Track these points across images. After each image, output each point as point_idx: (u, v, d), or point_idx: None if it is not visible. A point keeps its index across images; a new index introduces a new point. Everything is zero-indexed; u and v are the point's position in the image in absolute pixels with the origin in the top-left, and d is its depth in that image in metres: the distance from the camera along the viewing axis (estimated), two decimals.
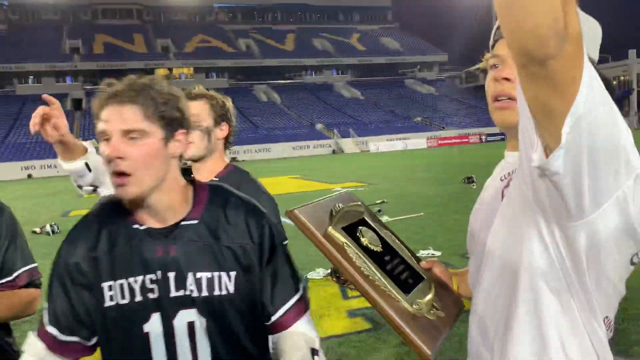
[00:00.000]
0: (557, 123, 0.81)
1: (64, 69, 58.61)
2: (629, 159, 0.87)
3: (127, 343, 1.32)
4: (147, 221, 1.32)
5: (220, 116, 2.16)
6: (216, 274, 1.31)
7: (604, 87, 0.83)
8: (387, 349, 4.12)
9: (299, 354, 1.34)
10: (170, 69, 64.52)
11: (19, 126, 47.97)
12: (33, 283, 1.89)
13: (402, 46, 73.39)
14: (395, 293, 1.22)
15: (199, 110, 2.08)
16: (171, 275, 1.29)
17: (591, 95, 0.80)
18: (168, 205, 1.32)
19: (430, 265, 1.48)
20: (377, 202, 11.72)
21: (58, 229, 11.43)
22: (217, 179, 2.13)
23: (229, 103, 2.24)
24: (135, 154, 1.26)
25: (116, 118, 1.28)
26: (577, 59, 0.78)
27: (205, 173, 2.12)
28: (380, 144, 47.68)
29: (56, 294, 1.33)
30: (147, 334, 1.30)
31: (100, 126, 1.29)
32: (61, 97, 56.57)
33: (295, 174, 23.69)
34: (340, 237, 1.28)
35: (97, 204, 1.43)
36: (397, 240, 1.48)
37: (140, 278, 1.30)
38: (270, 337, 1.42)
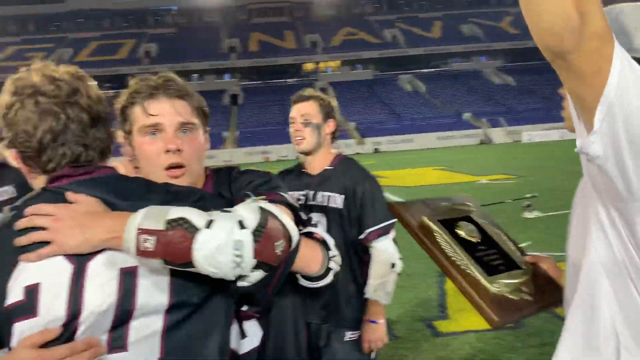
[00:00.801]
0: (591, 111, 0.87)
1: (222, 66, 63.55)
2: None
3: None
4: None
5: (327, 114, 2.46)
6: None
7: None
8: (525, 349, 3.91)
9: None
10: (317, 63, 66.67)
11: None
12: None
13: None
14: (476, 273, 1.33)
15: (309, 110, 2.40)
16: None
17: (623, 84, 0.84)
18: None
19: (535, 260, 1.49)
20: (527, 195, 10.93)
21: None
22: (331, 167, 2.44)
23: (334, 102, 2.54)
24: (189, 146, 1.29)
25: (170, 111, 1.30)
26: (601, 52, 0.84)
27: (316, 164, 2.46)
28: (534, 134, 44.51)
29: None
30: None
31: (152, 119, 1.28)
32: (219, 93, 61.56)
33: (439, 165, 23.07)
34: (433, 226, 1.41)
35: None
36: (504, 237, 1.51)
37: None
38: None
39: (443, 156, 31.17)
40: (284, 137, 49.88)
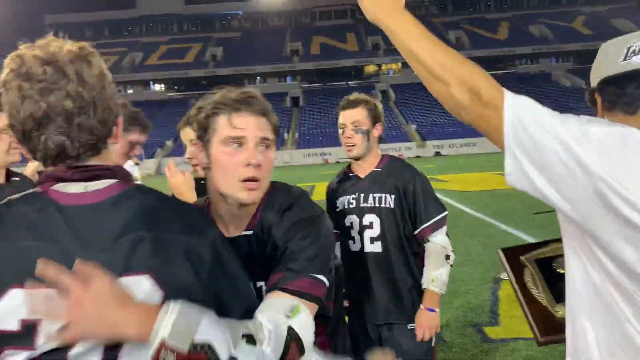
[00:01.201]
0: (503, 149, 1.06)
1: (285, 69, 64.49)
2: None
3: None
4: (227, 232, 1.38)
5: (375, 118, 2.52)
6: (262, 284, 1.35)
7: (539, 122, 1.02)
8: None
9: None
10: (379, 65, 66.34)
11: None
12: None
13: None
14: (544, 298, 1.48)
15: (359, 116, 2.47)
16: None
17: (515, 130, 1.02)
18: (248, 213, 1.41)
19: None
20: None
21: None
22: (379, 169, 2.53)
23: (380, 106, 2.59)
24: (265, 162, 1.35)
25: (253, 126, 1.34)
26: (494, 114, 1.04)
27: (366, 167, 2.56)
28: None
29: None
30: None
31: (237, 132, 1.32)
32: (281, 96, 62.48)
33: (500, 170, 22.41)
34: (526, 262, 1.64)
35: None
36: None
37: None
38: None
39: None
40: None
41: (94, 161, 1.05)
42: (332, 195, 2.64)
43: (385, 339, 2.48)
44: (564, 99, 54.57)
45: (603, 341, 1.06)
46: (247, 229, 1.39)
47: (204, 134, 1.34)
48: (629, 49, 1.20)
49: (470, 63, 1.12)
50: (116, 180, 1.05)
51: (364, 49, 66.56)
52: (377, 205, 2.46)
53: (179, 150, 48.35)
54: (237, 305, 1.10)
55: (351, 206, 2.52)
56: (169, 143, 50.79)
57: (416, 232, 2.46)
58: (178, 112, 59.74)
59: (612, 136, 0.98)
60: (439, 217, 2.45)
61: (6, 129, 2.06)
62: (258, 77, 65.72)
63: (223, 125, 1.32)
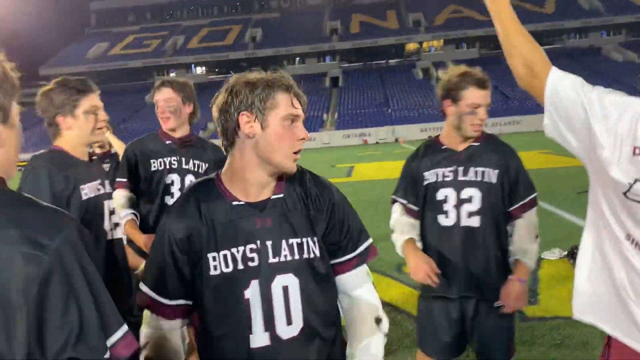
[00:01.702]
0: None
1: (324, 49, 64.09)
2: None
3: (228, 309, 1.45)
4: (244, 197, 1.50)
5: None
6: (304, 239, 1.49)
7: (568, 86, 1.47)
8: None
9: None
10: (420, 43, 65.09)
11: None
12: None
13: None
14: None
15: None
16: (269, 244, 1.46)
17: (552, 91, 1.50)
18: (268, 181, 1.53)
19: None
20: None
21: None
22: (477, 144, 2.52)
23: None
24: None
25: (298, 107, 1.53)
26: (540, 85, 1.52)
27: (463, 141, 2.56)
28: None
29: (165, 265, 1.48)
30: (247, 299, 1.44)
31: (296, 111, 1.50)
32: (320, 76, 62.25)
33: (546, 149, 21.73)
34: None
35: (190, 186, 1.59)
36: None
37: (241, 248, 1.45)
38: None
39: (551, 139, 29.22)
40: (383, 120, 49.54)
41: None
42: (417, 168, 2.59)
43: (470, 316, 2.48)
44: (616, 74, 52.27)
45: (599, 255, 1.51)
46: (276, 193, 1.53)
47: (260, 105, 1.46)
48: None
49: (535, 45, 1.58)
50: None
51: (405, 27, 65.30)
52: (479, 179, 2.45)
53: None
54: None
55: (447, 179, 2.49)
56: (211, 125, 51.56)
57: (512, 208, 2.47)
58: None
59: (616, 104, 1.40)
60: (533, 195, 2.49)
61: (94, 109, 2.31)
62: (297, 58, 65.61)
63: (284, 104, 1.47)
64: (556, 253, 5.83)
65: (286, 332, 1.45)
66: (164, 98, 3.06)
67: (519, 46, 1.58)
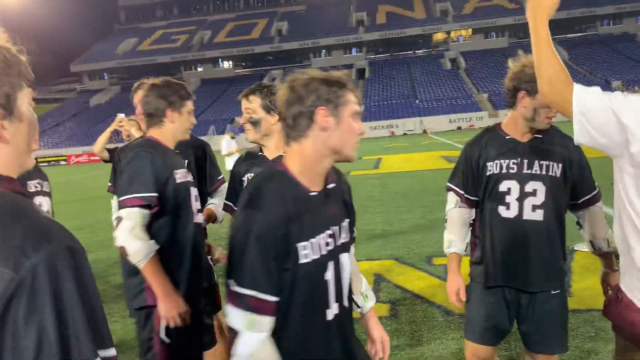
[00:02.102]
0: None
1: (350, 41, 63.77)
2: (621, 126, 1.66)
3: (314, 292, 1.57)
4: (313, 187, 1.62)
5: None
6: (348, 221, 1.76)
7: (595, 98, 1.69)
8: None
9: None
10: (448, 32, 64.21)
11: None
12: None
13: None
14: None
15: None
16: (338, 228, 1.66)
17: (581, 105, 1.71)
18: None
19: None
20: None
21: None
22: (540, 136, 2.48)
23: None
24: None
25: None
26: (564, 102, 1.74)
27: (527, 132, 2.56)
28: None
29: (261, 260, 1.46)
30: (326, 281, 1.60)
31: (359, 108, 1.69)
32: (347, 68, 61.95)
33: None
34: None
35: (260, 178, 1.62)
36: None
37: (323, 235, 1.59)
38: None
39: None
40: (410, 111, 49.12)
41: None
42: (479, 157, 2.52)
43: (525, 305, 2.46)
44: None
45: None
46: (330, 183, 1.70)
47: (336, 103, 1.59)
48: None
49: (560, 66, 1.77)
50: None
51: (432, 16, 64.50)
52: (544, 173, 2.40)
53: None
54: None
55: (511, 171, 2.44)
56: (238, 119, 51.95)
57: (580, 201, 2.48)
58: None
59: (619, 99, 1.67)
60: (598, 189, 2.51)
61: (192, 111, 2.66)
62: (323, 50, 65.45)
63: (352, 102, 1.63)
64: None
65: (346, 301, 1.71)
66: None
67: (546, 67, 1.81)
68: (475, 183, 2.51)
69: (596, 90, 1.73)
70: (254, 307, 1.47)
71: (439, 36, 65.25)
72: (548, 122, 2.36)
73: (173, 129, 2.57)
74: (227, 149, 11.85)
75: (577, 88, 1.73)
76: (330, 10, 68.43)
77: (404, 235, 7.08)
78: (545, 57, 1.80)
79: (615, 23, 60.42)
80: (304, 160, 1.60)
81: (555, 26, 59.60)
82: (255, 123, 2.57)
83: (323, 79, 1.58)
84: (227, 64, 68.44)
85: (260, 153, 2.69)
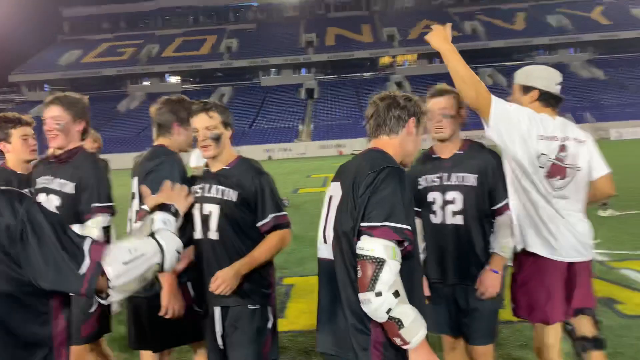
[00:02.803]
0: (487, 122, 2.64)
1: (299, 61, 64.45)
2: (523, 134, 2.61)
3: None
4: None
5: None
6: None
7: (506, 111, 2.61)
8: None
9: None
10: (394, 57, 66.02)
11: (262, 113, 54.46)
12: (281, 225, 2.63)
13: None
14: None
15: (446, 104, 2.86)
16: None
17: (496, 113, 2.58)
18: None
19: None
20: None
21: (288, 203, 12.76)
22: (461, 152, 2.92)
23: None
24: None
25: None
26: (486, 106, 2.57)
27: (450, 149, 2.93)
28: (624, 131, 41.81)
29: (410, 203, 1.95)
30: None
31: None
32: (296, 87, 62.55)
33: None
34: None
35: (385, 164, 2.01)
36: None
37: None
38: None
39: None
40: (357, 131, 49.95)
41: None
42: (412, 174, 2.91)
43: (462, 300, 2.85)
44: (583, 90, 53.90)
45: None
46: None
47: (421, 118, 2.19)
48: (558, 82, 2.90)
49: (477, 78, 2.53)
50: None
51: (379, 41, 66.23)
52: (460, 183, 2.82)
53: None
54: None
55: (434, 184, 2.89)
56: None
57: (496, 207, 2.81)
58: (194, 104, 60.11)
59: (529, 113, 2.64)
60: (506, 200, 2.83)
61: (195, 129, 2.79)
62: (273, 69, 65.81)
63: (423, 125, 2.21)
64: None
65: None
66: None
67: (470, 79, 2.54)
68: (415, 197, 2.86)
69: (505, 102, 2.61)
70: (409, 237, 1.84)
71: (386, 60, 67.01)
72: (437, 133, 2.88)
73: (179, 140, 2.91)
74: (196, 163, 11.41)
75: (495, 97, 2.55)
76: (280, 30, 69.04)
77: None
78: (464, 71, 2.53)
79: (550, 53, 64.01)
80: (403, 153, 2.15)
81: (494, 54, 62.62)
82: (217, 139, 2.65)
83: (418, 99, 2.19)
84: (174, 79, 67.56)
85: (205, 168, 2.81)
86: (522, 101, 2.75)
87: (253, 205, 2.60)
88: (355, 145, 46.90)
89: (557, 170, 2.64)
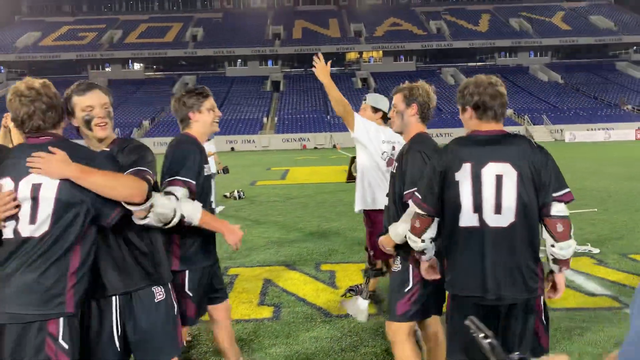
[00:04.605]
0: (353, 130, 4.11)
1: (266, 53, 64.13)
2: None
3: None
4: None
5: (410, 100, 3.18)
6: None
7: (363, 122, 4.09)
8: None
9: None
10: (360, 53, 66.45)
11: (227, 104, 53.98)
12: (145, 178, 2.26)
13: (617, 25, 64.99)
14: None
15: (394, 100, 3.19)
16: None
17: (358, 126, 4.05)
18: None
19: None
20: None
21: (243, 195, 12.85)
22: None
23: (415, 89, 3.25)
24: None
25: None
26: (351, 119, 4.03)
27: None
28: (578, 133, 43.37)
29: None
30: None
31: None
32: (262, 79, 62.23)
33: None
34: None
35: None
36: None
37: None
38: None
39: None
40: (322, 125, 50.18)
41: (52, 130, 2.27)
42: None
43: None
44: (541, 93, 55.58)
45: None
46: None
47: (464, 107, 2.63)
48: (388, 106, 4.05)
49: (346, 101, 3.94)
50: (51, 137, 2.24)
51: (346, 36, 66.51)
52: None
53: (155, 130, 48.09)
54: None
55: None
56: (146, 123, 50.37)
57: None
58: (155, 91, 59.06)
59: (375, 125, 4.16)
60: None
61: (215, 108, 3.11)
62: (239, 60, 65.28)
63: None
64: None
65: None
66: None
67: (341, 101, 3.91)
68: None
69: (360, 116, 4.10)
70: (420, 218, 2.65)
71: (352, 55, 67.39)
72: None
73: (199, 126, 3.06)
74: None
75: (357, 114, 4.07)
76: (247, 21, 68.42)
77: (298, 243, 7.44)
78: (337, 94, 3.91)
79: (511, 56, 65.65)
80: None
81: (458, 54, 63.84)
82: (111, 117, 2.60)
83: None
84: (137, 66, 66.21)
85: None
86: (370, 117, 4.24)
87: None
88: (319, 139, 47.16)
89: (391, 161, 3.94)
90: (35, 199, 2.09)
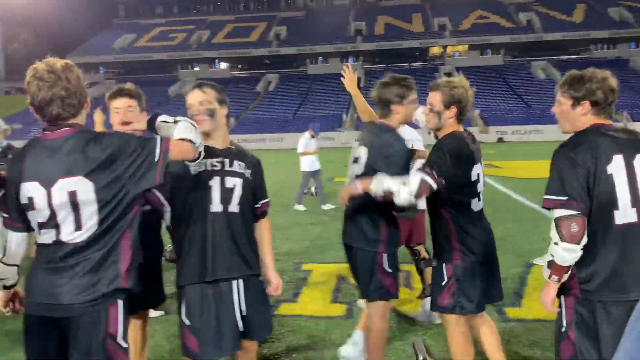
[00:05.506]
0: None
1: (347, 49, 64.07)
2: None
3: None
4: None
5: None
6: None
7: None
8: None
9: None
10: (444, 47, 64.74)
11: (308, 101, 54.56)
12: (266, 212, 2.95)
13: None
14: None
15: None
16: None
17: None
18: None
19: None
20: None
21: (315, 192, 12.77)
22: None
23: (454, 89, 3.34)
24: None
25: None
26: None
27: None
28: None
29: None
30: None
31: None
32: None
33: None
34: None
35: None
36: None
37: None
38: None
39: None
40: None
41: (72, 120, 2.13)
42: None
43: None
44: None
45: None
46: None
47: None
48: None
49: (370, 109, 3.94)
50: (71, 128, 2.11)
51: (430, 30, 65.03)
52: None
53: (239, 128, 49.49)
54: None
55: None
56: (232, 120, 51.93)
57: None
58: (240, 90, 60.83)
59: None
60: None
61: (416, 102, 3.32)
62: (320, 57, 65.73)
63: None
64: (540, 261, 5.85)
65: None
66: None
67: (365, 110, 3.90)
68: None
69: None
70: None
71: (436, 50, 65.80)
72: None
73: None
74: (303, 148, 11.25)
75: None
76: (330, 18, 68.74)
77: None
78: (363, 106, 3.88)
79: (609, 47, 61.29)
80: None
81: (549, 47, 60.43)
82: (212, 114, 2.67)
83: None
84: (223, 65, 68.52)
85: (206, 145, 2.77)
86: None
87: (255, 186, 2.80)
88: None
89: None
90: (75, 205, 2.03)
